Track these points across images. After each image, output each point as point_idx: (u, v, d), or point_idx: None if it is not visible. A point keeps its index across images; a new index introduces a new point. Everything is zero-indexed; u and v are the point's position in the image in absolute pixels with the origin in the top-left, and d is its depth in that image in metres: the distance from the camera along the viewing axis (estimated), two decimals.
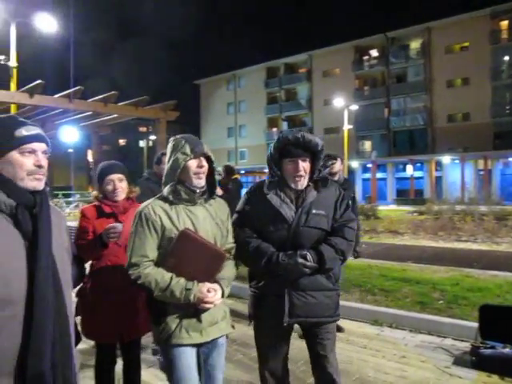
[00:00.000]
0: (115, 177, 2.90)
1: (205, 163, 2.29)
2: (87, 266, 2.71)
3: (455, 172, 38.88)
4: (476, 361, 3.90)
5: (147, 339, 3.50)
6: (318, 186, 2.59)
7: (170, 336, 2.22)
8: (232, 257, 2.46)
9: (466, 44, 40.90)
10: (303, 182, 2.54)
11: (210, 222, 2.32)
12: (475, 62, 39.29)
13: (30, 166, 1.57)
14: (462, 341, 4.47)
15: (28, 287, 1.49)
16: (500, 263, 8.37)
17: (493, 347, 4.01)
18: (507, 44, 39.05)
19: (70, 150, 48.45)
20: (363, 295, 5.97)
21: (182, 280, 2.17)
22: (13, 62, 14.74)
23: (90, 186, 43.06)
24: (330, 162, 4.81)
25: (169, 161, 2.29)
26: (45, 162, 1.62)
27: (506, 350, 3.94)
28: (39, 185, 1.59)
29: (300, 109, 51.62)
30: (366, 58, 46.72)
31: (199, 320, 2.25)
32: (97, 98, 6.55)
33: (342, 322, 4.77)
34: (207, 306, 2.18)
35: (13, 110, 10.56)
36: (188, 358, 2.25)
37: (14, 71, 14.52)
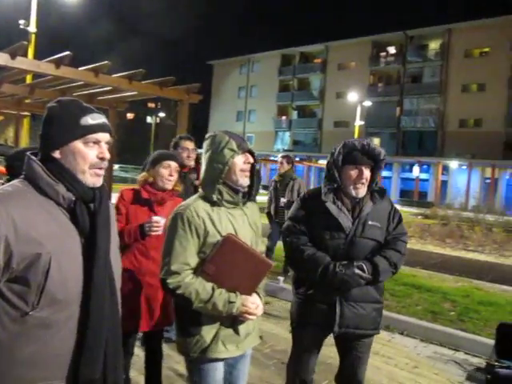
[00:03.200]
0: (174, 164, 2.84)
1: (251, 159, 2.13)
2: None
3: (461, 178, 38.71)
4: (491, 379, 3.91)
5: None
6: (375, 196, 2.55)
7: (206, 350, 2.04)
8: None
9: (487, 49, 40.38)
10: (363, 191, 2.50)
11: (248, 226, 2.18)
12: (493, 69, 38.82)
13: (93, 158, 1.47)
14: (475, 356, 4.43)
15: (84, 288, 1.42)
16: (509, 278, 8.32)
17: (509, 367, 3.99)
18: None
19: None
20: None
21: (225, 292, 2.00)
22: (32, 28, 14.54)
23: None
24: None
25: (209, 158, 2.10)
26: (108, 155, 1.52)
27: None
28: (98, 181, 1.50)
29: (312, 99, 51.23)
30: (383, 54, 46.21)
31: (237, 332, 2.10)
32: (122, 74, 6.43)
33: None
34: (250, 317, 2.05)
35: (28, 79, 10.44)
36: (220, 373, 2.13)
37: (33, 37, 14.32)
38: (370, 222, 2.47)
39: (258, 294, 2.13)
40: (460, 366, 4.21)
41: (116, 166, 30.38)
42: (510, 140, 39.05)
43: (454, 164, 38.99)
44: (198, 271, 2.02)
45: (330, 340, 2.67)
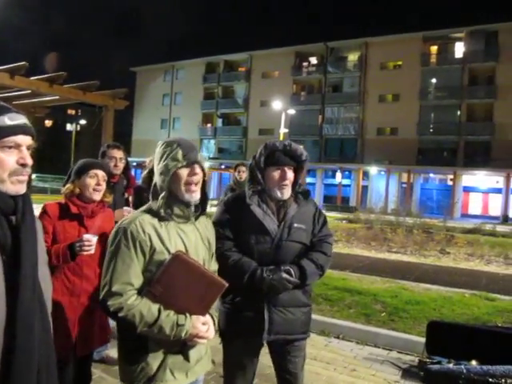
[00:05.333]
0: (101, 173, 2.62)
1: (199, 171, 1.93)
2: None
3: (380, 183, 40.71)
4: (424, 376, 4.04)
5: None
6: (299, 198, 2.52)
7: (152, 378, 1.84)
8: None
9: (400, 63, 43.02)
10: (288, 192, 2.46)
11: (200, 243, 2.01)
12: (406, 81, 41.38)
13: (13, 165, 1.26)
14: (407, 354, 4.58)
15: (8, 311, 1.21)
16: (430, 276, 8.77)
17: (439, 362, 4.15)
18: (435, 68, 41.56)
19: None
20: None
21: (173, 313, 1.81)
22: None
23: None
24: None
25: (157, 167, 1.94)
26: (30, 160, 1.30)
27: (451, 366, 4.09)
28: (22, 188, 1.28)
29: (236, 107, 51.63)
30: (305, 64, 47.73)
31: (186, 358, 1.91)
32: (42, 76, 6.03)
33: None
34: (200, 341, 1.89)
35: None
36: None
37: None
38: (295, 225, 2.43)
39: (211, 316, 1.97)
40: (394, 365, 4.32)
41: (33, 176, 28.74)
42: (422, 147, 41.72)
43: (373, 170, 40.88)
44: (143, 292, 1.82)
45: (267, 348, 2.58)
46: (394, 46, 42.19)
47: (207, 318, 1.92)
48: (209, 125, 52.92)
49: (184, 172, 1.89)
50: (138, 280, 1.82)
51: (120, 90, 6.67)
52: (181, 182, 1.89)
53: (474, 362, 3.97)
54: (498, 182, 38.13)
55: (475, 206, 39.15)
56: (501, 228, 21.08)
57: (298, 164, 2.47)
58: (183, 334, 1.80)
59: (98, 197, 2.62)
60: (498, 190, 37.47)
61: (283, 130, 35.66)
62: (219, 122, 52.83)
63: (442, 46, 42.25)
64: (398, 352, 4.65)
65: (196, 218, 2.01)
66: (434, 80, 41.54)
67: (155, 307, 1.79)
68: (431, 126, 41.92)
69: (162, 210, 1.89)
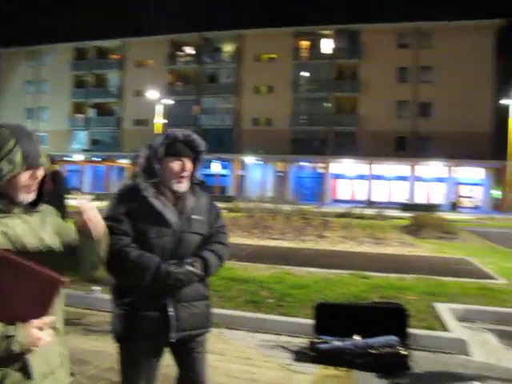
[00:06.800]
0: None
1: (39, 175, 1.65)
2: None
3: (257, 172, 42.00)
4: (315, 355, 4.22)
5: None
6: (196, 190, 2.45)
7: None
8: None
9: (273, 55, 44.58)
10: (186, 184, 2.38)
11: (32, 237, 1.66)
12: (280, 73, 43.07)
13: None
14: (297, 337, 4.74)
15: None
16: (310, 260, 9.20)
17: (327, 341, 4.37)
18: (306, 62, 43.87)
19: None
20: None
21: (0, 325, 1.47)
22: None
23: None
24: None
25: None
26: None
27: (337, 343, 4.33)
28: None
29: (109, 96, 49.44)
30: (180, 53, 47.14)
31: (27, 375, 1.56)
32: None
33: None
34: (40, 344, 1.53)
35: None
36: None
37: None
38: (194, 216, 2.37)
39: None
40: (286, 349, 4.45)
41: None
42: (295, 137, 43.83)
43: (250, 159, 41.93)
44: None
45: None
46: (268, 39, 43.58)
47: (45, 319, 1.56)
48: (80, 115, 49.85)
49: (23, 177, 1.60)
50: None
51: None
52: (18, 186, 1.61)
53: (357, 337, 4.24)
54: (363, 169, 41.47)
55: (344, 191, 42.18)
56: (367, 211, 22.96)
57: (195, 155, 2.41)
58: (16, 348, 1.48)
59: None
60: (363, 177, 40.77)
61: (159, 121, 34.92)
62: (91, 113, 50.07)
63: (312, 42, 44.62)
64: (289, 336, 4.79)
65: (26, 211, 1.69)
66: (305, 73, 43.74)
67: None
68: (303, 118, 44.15)
69: None
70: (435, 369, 4.09)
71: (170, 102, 38.93)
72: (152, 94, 35.46)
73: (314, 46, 44.58)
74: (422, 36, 41.68)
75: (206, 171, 44.30)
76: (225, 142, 45.06)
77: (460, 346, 4.48)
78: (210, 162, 42.97)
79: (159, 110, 34.90)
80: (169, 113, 43.19)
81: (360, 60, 42.51)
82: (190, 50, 47.19)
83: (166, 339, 2.29)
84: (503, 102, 32.99)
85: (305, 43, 44.71)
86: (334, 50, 43.63)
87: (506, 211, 32.06)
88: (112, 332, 2.39)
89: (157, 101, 35.16)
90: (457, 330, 4.82)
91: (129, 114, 47.59)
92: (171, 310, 2.26)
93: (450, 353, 4.42)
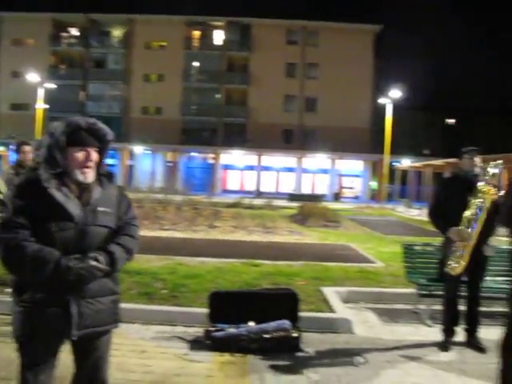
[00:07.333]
0: None
1: None
2: None
3: (146, 162, 41.05)
4: (211, 344, 4.28)
5: None
6: (103, 181, 2.37)
7: None
8: None
9: (164, 43, 43.68)
10: (92, 175, 2.29)
11: None
12: (171, 62, 42.35)
13: None
14: (192, 326, 4.74)
15: None
16: (202, 250, 9.23)
17: (222, 329, 4.46)
18: (198, 52, 43.68)
19: None
20: None
21: None
22: None
23: None
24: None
25: None
26: None
27: (232, 330, 4.44)
28: None
29: None
30: (65, 35, 44.18)
31: None
32: None
33: None
34: None
35: None
36: None
37: None
38: (100, 209, 2.29)
39: None
40: (182, 339, 4.44)
41: None
42: (186, 127, 43.56)
43: (139, 149, 40.79)
44: None
45: None
46: (159, 26, 42.54)
47: None
48: None
49: None
50: None
51: None
52: None
53: (251, 323, 4.37)
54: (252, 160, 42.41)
55: (233, 182, 42.83)
56: (256, 201, 23.61)
57: (101, 145, 2.33)
58: None
59: None
60: (252, 168, 41.73)
61: (41, 106, 32.51)
62: None
63: (204, 32, 44.46)
64: (184, 326, 4.78)
65: None
66: (196, 63, 43.50)
67: None
68: (194, 108, 43.97)
69: None
70: (324, 347, 4.37)
71: (53, 85, 36.26)
72: (32, 76, 32.80)
73: (206, 37, 44.49)
74: (309, 34, 43.61)
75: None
76: (113, 131, 42.79)
77: (345, 325, 4.84)
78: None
79: (41, 94, 32.41)
80: (51, 97, 40.27)
81: (250, 53, 43.30)
82: (74, 32, 44.38)
83: (67, 337, 2.20)
84: (380, 101, 35.73)
85: (196, 33, 44.45)
86: (226, 41, 43.92)
87: (381, 201, 34.90)
88: (13, 331, 2.25)
89: (38, 84, 32.61)
90: (342, 310, 5.19)
91: (5, 97, 43.52)
92: (74, 307, 2.17)
93: (337, 332, 4.76)
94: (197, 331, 4.60)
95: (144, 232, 11.98)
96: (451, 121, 51.54)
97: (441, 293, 4.76)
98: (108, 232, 2.31)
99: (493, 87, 39.16)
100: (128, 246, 2.34)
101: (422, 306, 5.45)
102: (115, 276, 2.39)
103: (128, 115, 43.77)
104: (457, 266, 4.25)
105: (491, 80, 42.96)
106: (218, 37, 44.42)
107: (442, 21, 59.47)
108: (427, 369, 4.04)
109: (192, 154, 43.06)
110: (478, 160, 4.47)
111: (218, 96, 44.33)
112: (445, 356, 4.32)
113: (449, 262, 4.33)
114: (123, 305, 5.00)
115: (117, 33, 44.55)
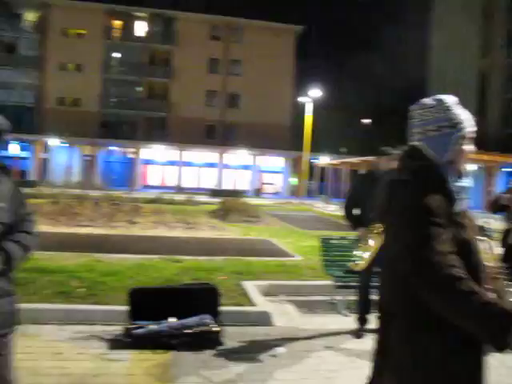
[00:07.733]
0: None
1: None
2: None
3: (62, 155, 39.12)
4: (131, 341, 4.21)
5: None
6: None
7: None
8: None
9: (83, 32, 41.76)
10: None
11: None
12: (89, 52, 40.57)
13: None
14: (112, 325, 4.62)
15: None
16: (122, 246, 9.00)
17: (143, 326, 4.40)
18: (118, 43, 42.25)
19: None
20: None
21: None
22: None
23: None
24: None
25: None
26: None
27: (153, 327, 4.40)
28: None
29: None
30: None
31: None
32: None
33: None
34: None
35: None
36: None
37: None
38: None
39: None
40: (101, 339, 4.31)
41: None
42: (105, 120, 42.04)
43: (54, 142, 38.78)
44: None
45: None
46: (77, 12, 40.57)
47: None
48: None
49: None
50: None
51: None
52: None
53: (172, 319, 4.35)
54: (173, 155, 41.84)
55: (154, 177, 42.00)
56: (177, 197, 23.36)
57: None
58: None
59: None
60: (173, 163, 41.17)
61: None
62: None
63: (125, 23, 43.04)
64: (103, 325, 4.63)
65: None
66: (116, 55, 42.07)
67: None
68: (113, 100, 42.55)
69: None
70: (245, 340, 4.45)
71: None
72: None
73: (128, 28, 43.12)
74: (233, 30, 43.71)
75: (3, 153, 39.52)
76: (25, 122, 40.66)
77: (265, 318, 4.95)
78: (7, 143, 38.43)
79: None
80: None
81: (173, 46, 42.61)
82: None
83: None
84: (300, 99, 36.66)
85: (118, 23, 42.95)
86: (148, 33, 42.88)
87: (301, 197, 35.91)
88: None
89: None
90: (262, 304, 5.31)
91: None
92: None
93: (257, 324, 4.87)
94: (117, 330, 4.48)
95: (59, 229, 11.50)
96: (367, 121, 54.00)
97: (355, 284, 5.01)
98: (3, 228, 2.18)
99: (410, 88, 41.55)
100: (25, 243, 2.23)
101: (339, 297, 5.71)
102: (11, 276, 2.25)
103: (42, 105, 41.42)
104: (361, 262, 4.44)
105: (411, 80, 45.43)
106: (141, 28, 43.24)
107: (365, 22, 62.12)
108: (343, 356, 4.26)
109: (111, 147, 41.61)
110: (393, 159, 4.72)
111: (138, 89, 43.21)
112: (360, 343, 4.57)
113: (353, 258, 4.53)
114: (35, 305, 4.86)
115: (30, 17, 41.90)
